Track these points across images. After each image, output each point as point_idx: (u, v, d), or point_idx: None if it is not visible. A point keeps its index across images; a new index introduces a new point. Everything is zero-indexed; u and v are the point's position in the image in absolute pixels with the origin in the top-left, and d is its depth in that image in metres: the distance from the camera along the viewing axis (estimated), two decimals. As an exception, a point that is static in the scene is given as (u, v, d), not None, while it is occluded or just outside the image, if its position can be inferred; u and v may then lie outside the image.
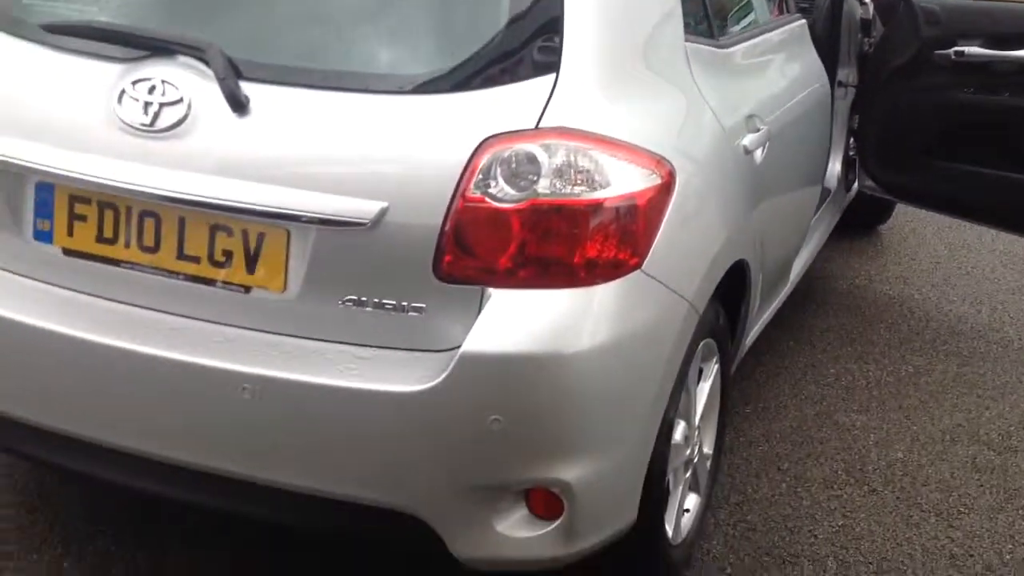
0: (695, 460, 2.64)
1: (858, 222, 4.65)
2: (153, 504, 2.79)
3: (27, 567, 2.61)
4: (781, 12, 3.38)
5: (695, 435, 2.61)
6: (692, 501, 2.69)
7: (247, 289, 2.15)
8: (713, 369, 2.67)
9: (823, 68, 3.46)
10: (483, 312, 2.04)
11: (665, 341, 2.24)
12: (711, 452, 2.78)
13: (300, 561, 2.67)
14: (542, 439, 2.07)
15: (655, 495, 2.37)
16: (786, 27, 3.37)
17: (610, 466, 2.17)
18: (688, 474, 2.61)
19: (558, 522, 2.14)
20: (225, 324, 2.17)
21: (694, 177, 2.32)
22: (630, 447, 2.22)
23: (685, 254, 2.28)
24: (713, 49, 2.69)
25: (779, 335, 3.77)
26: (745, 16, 3.11)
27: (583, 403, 2.08)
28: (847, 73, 4.02)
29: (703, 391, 2.64)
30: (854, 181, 4.20)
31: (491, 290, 2.05)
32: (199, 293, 2.17)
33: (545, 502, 2.14)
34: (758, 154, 2.71)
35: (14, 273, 2.29)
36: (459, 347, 2.02)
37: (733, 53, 2.83)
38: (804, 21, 3.51)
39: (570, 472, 2.10)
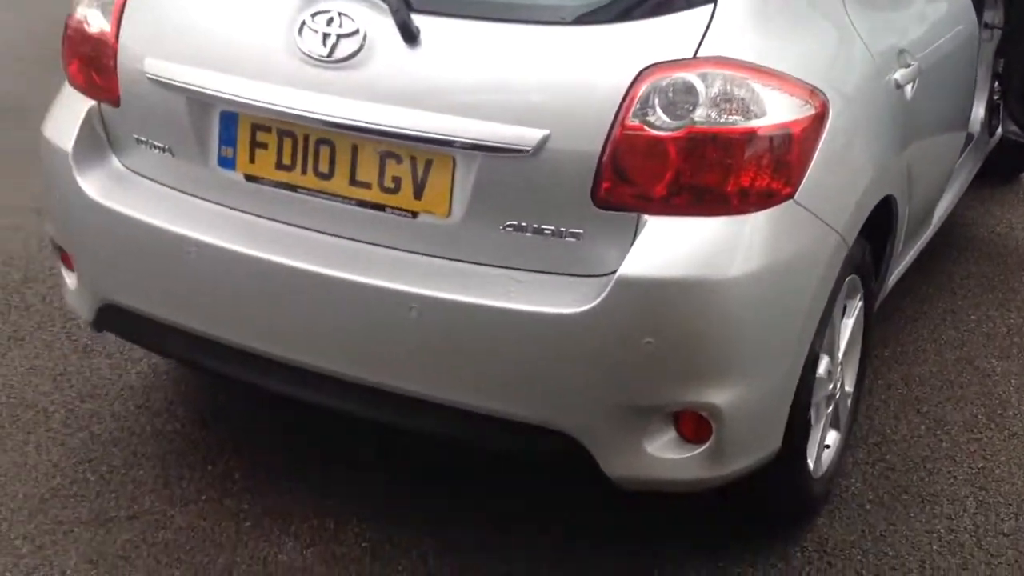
0: (836, 396, 2.68)
1: (1000, 169, 4.56)
2: (313, 424, 2.98)
3: (203, 476, 2.82)
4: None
5: (837, 371, 2.65)
6: (832, 438, 2.74)
7: (414, 214, 2.27)
8: (857, 306, 2.70)
9: (972, 7, 3.41)
10: (639, 238, 2.12)
11: (814, 272, 2.29)
12: (851, 391, 2.82)
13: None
14: (693, 362, 2.15)
15: (799, 425, 2.43)
16: (935, -36, 3.34)
17: (758, 392, 2.24)
18: (829, 410, 2.66)
19: (706, 445, 2.23)
20: (393, 248, 2.30)
21: (846, 109, 2.36)
22: (778, 375, 2.29)
23: (836, 186, 2.32)
24: (864, -17, 2.70)
25: (919, 281, 3.76)
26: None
27: (734, 328, 2.15)
28: (993, 15, 3.94)
29: (846, 328, 2.68)
30: (998, 126, 4.13)
31: (646, 217, 2.13)
32: (369, 218, 2.30)
33: (694, 425, 2.22)
34: (908, 90, 2.71)
35: (200, 198, 2.46)
36: (615, 272, 2.11)
37: (884, -12, 2.84)
38: (952, -41, 3.47)
39: (720, 396, 2.17)
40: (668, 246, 2.11)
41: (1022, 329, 3.64)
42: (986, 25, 3.86)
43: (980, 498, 2.82)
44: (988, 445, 3.03)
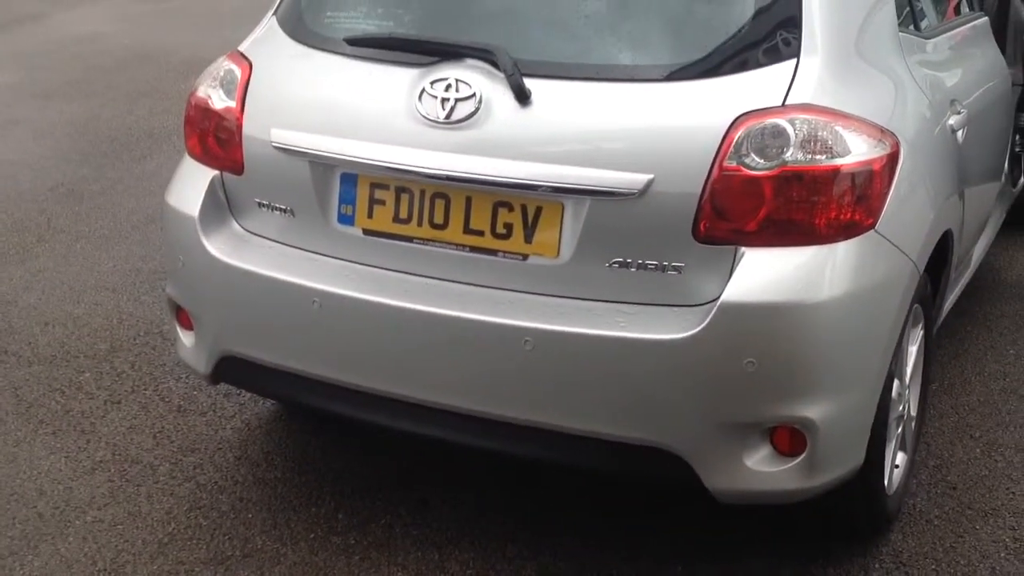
0: (904, 418, 2.90)
1: (1021, 219, 4.81)
2: (401, 465, 3.17)
3: (309, 516, 3.00)
4: (956, 11, 3.65)
5: (906, 393, 2.87)
6: (900, 459, 2.95)
7: (525, 257, 2.50)
8: (919, 335, 2.94)
9: (1004, 63, 3.71)
10: (737, 268, 2.36)
11: (893, 296, 2.52)
12: (915, 414, 3.04)
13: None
14: (790, 380, 2.37)
15: (878, 440, 2.64)
16: (973, 23, 3.66)
17: (847, 407, 2.46)
18: (899, 431, 2.88)
19: (801, 458, 2.43)
20: (506, 289, 2.53)
21: (914, 148, 2.62)
22: (864, 391, 2.51)
23: (910, 218, 2.58)
24: (918, 39, 3.00)
25: (957, 320, 3.99)
26: (937, 10, 3.41)
27: (826, 347, 2.37)
28: (1013, 72, 4.24)
29: (911, 354, 2.90)
30: (1019, 177, 4.41)
31: (743, 249, 2.37)
32: (482, 262, 2.53)
33: (789, 439, 2.43)
34: (960, 135, 2.99)
35: (321, 254, 2.69)
36: (716, 300, 2.34)
37: (934, 43, 3.14)
38: (986, 18, 3.78)
39: (813, 410, 2.39)
40: (765, 274, 2.34)
41: (1056, 361, 3.88)
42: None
43: (1040, 512, 3.03)
44: (1041, 464, 3.25)
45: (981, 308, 4.24)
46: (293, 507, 3.05)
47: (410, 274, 2.60)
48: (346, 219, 2.65)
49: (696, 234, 2.38)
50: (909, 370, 2.88)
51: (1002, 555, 2.86)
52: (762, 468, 2.44)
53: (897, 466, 2.92)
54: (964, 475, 3.19)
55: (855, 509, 2.76)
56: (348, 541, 2.91)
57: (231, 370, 2.86)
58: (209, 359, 2.87)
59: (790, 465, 2.44)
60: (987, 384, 3.70)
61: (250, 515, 3.01)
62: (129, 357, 3.84)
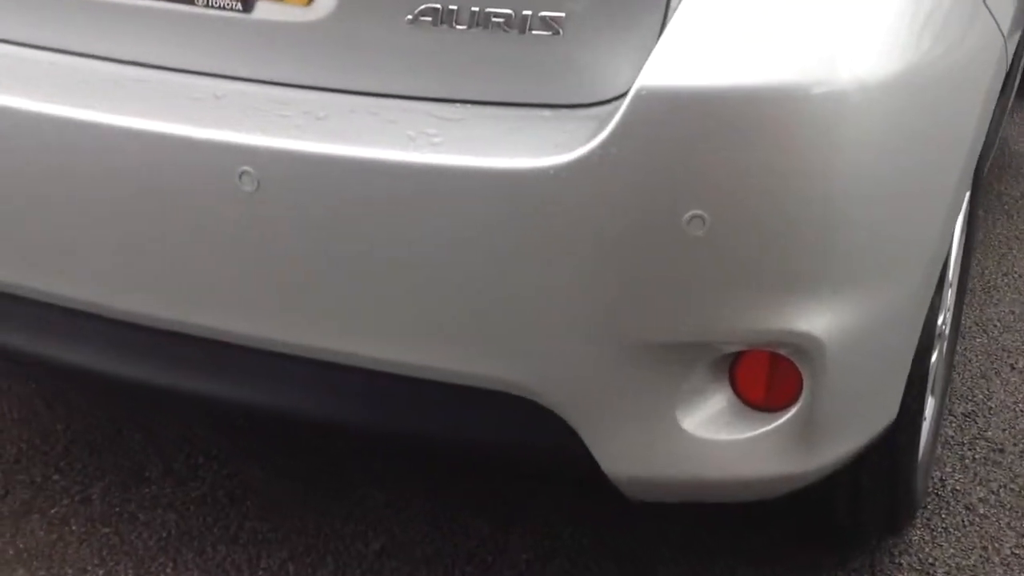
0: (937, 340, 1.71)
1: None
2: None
3: None
4: None
5: (947, 293, 1.69)
6: (929, 405, 1.77)
7: (248, 6, 1.24)
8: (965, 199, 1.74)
9: None
10: (673, 17, 1.12)
11: (972, 107, 1.30)
12: (949, 333, 1.86)
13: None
14: (774, 255, 1.15)
15: (920, 379, 1.45)
16: None
17: (882, 314, 1.24)
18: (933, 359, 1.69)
19: (790, 413, 1.22)
20: (211, 74, 1.27)
21: None
22: (907, 290, 1.29)
23: None
24: None
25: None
26: None
27: (855, 187, 1.15)
28: None
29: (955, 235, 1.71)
30: None
31: (686, -18, 1.13)
32: (168, 17, 1.26)
33: (768, 376, 1.22)
34: None
35: None
36: (626, 91, 1.10)
37: None
38: None
39: (818, 320, 1.17)
40: (732, 30, 1.11)
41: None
42: None
43: None
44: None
45: (997, 189, 3.09)
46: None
47: (30, 46, 1.32)
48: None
49: (590, -52, 1.14)
50: (954, 259, 1.70)
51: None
52: (712, 434, 1.22)
53: (924, 419, 1.75)
54: (1012, 429, 2.05)
55: (874, 494, 1.56)
56: None
57: None
58: None
59: (768, 428, 1.22)
60: (1020, 290, 2.55)
61: None
62: None
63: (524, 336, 1.17)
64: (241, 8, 1.24)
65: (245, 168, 1.19)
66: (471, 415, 1.24)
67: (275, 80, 1.25)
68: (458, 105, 1.20)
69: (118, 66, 1.29)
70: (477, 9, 1.17)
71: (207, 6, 1.25)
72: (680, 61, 1.10)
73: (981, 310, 2.44)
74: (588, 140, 1.11)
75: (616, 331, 1.16)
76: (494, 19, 1.17)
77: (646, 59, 1.11)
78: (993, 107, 1.45)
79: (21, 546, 1.61)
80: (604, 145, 1.09)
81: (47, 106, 1.23)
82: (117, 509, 1.69)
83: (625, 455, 1.24)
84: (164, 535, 1.64)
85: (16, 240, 1.31)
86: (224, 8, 1.25)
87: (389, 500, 1.74)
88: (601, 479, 1.25)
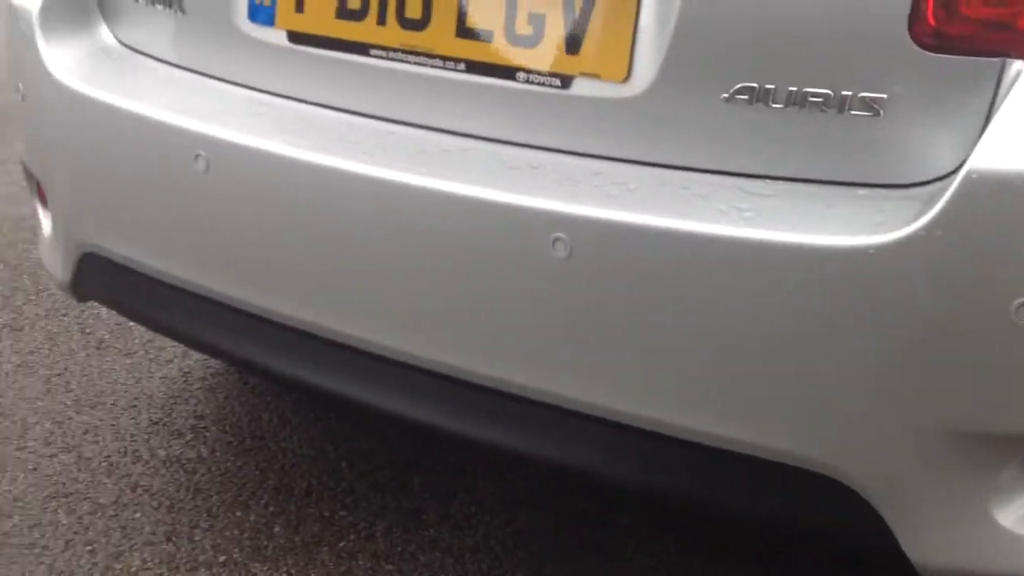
0: None
1: None
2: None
3: (226, 527, 1.86)
4: None
5: None
6: None
7: (566, 81, 1.30)
8: None
9: None
10: (1004, 104, 1.11)
11: None
12: None
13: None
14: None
15: None
16: None
17: None
18: None
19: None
20: (528, 145, 1.34)
21: None
22: None
23: None
24: None
25: None
26: None
27: None
28: None
29: None
30: None
31: (1018, 63, 1.11)
32: (488, 93, 1.34)
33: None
34: None
35: (218, 78, 1.52)
36: (955, 171, 1.09)
37: None
38: None
39: None
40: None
41: None
42: None
43: None
44: None
45: None
46: (208, 508, 1.92)
47: (360, 114, 1.43)
48: (262, 14, 1.49)
49: (916, 32, 1.13)
50: None
51: None
52: (1026, 530, 1.20)
53: None
54: None
55: None
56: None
57: (95, 279, 1.75)
58: (67, 259, 1.75)
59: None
60: None
61: (138, 514, 1.90)
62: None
63: (832, 417, 1.17)
64: (560, 84, 1.30)
65: (559, 235, 1.25)
66: (773, 489, 1.24)
67: (588, 152, 1.30)
68: (768, 181, 1.22)
69: (443, 136, 1.38)
70: (795, 89, 1.18)
71: (528, 82, 1.32)
72: (1013, 145, 1.08)
73: None
74: (910, 221, 1.10)
75: (929, 418, 1.14)
76: (811, 99, 1.18)
77: (972, 141, 1.10)
78: None
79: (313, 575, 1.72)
80: (929, 227, 1.09)
81: (389, 172, 1.32)
82: (399, 548, 1.77)
83: (933, 545, 1.21)
84: (442, 578, 1.72)
85: (347, 291, 1.41)
86: (544, 85, 1.31)
87: (656, 564, 1.76)
88: (903, 561, 1.22)
